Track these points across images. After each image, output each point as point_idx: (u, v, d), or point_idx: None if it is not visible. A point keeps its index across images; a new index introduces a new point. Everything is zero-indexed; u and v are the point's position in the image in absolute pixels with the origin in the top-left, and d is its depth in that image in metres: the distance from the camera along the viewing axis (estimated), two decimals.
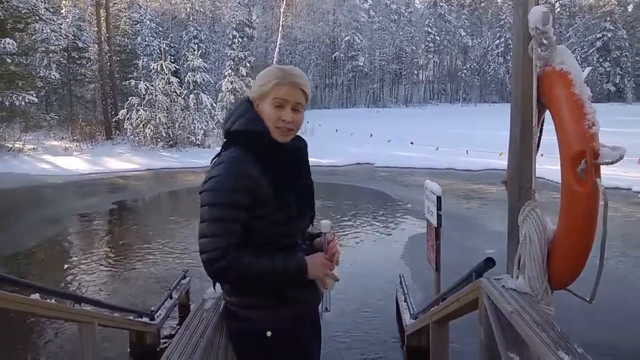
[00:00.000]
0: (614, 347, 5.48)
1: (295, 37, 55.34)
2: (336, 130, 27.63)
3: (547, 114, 2.51)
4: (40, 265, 9.43)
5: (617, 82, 57.77)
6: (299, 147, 1.95)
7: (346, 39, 57.87)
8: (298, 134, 1.95)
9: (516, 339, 2.29)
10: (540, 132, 2.64)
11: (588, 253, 2.29)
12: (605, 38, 56.95)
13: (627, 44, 58.09)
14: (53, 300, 4.01)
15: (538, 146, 2.63)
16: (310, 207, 1.96)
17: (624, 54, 57.86)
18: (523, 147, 2.63)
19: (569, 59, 2.39)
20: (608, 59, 57.18)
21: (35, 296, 3.60)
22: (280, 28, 40.27)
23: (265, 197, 1.74)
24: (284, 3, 41.55)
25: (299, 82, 1.82)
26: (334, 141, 24.84)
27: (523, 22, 2.54)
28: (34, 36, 27.52)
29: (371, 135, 25.59)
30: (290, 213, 1.81)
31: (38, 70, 29.06)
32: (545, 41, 2.43)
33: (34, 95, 25.27)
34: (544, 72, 2.44)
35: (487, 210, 13.02)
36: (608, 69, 57.39)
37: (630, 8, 64.08)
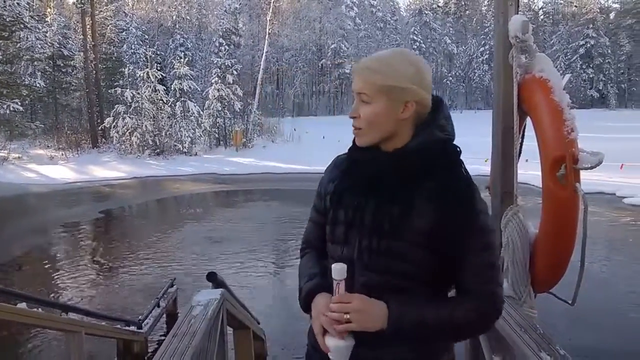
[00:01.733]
0: (596, 349, 5.54)
1: (282, 45, 55.34)
2: (323, 137, 27.64)
3: (529, 121, 2.55)
4: (25, 275, 9.33)
5: (601, 88, 58.33)
6: (390, 159, 1.39)
7: (333, 46, 57.95)
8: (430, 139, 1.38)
9: (500, 342, 2.32)
10: (522, 138, 2.68)
11: (569, 256, 2.33)
12: (588, 45, 57.50)
13: (609, 51, 58.65)
14: (40, 309, 3.98)
15: (520, 152, 2.67)
16: (367, 237, 1.38)
17: (607, 60, 58.44)
18: (505, 152, 2.67)
19: (548, 66, 2.43)
20: (591, 66, 57.72)
21: (22, 305, 3.58)
22: (267, 36, 40.24)
23: (326, 206, 1.52)
24: (271, 11, 41.59)
25: (355, 67, 1.43)
26: (321, 148, 24.84)
27: (504, 30, 2.58)
28: (19, 44, 27.25)
29: None
30: (334, 232, 1.46)
31: (23, 78, 28.82)
32: (525, 49, 2.48)
33: (19, 103, 25.07)
34: (524, 79, 2.49)
35: None
36: (591, 76, 57.92)
37: (612, 15, 64.95)
